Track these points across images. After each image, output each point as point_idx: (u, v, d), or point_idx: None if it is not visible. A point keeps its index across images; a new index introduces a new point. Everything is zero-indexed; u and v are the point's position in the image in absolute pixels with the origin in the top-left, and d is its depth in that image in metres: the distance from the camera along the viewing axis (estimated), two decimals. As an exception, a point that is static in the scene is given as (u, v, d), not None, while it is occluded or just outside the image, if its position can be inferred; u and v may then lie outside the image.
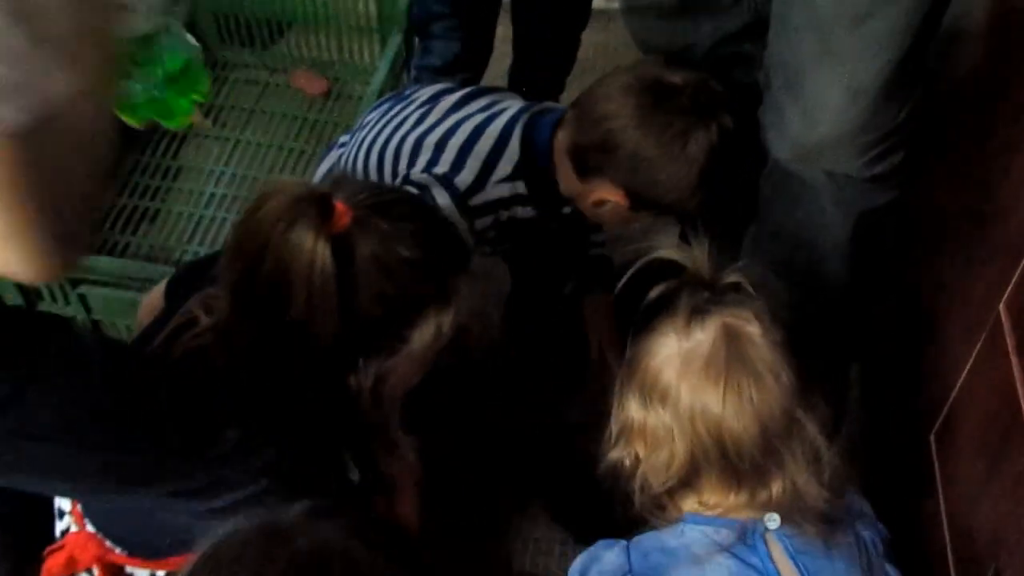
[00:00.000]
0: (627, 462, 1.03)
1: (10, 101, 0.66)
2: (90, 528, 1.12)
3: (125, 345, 1.03)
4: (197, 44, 1.34)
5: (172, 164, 1.96)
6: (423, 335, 1.07)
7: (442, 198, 1.33)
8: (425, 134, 1.41)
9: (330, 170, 1.56)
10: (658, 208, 1.36)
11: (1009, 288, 1.05)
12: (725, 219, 1.43)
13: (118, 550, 1.10)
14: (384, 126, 1.46)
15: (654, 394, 1.01)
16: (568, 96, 1.74)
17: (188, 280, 1.17)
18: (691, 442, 0.99)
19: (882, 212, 1.31)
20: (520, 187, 1.39)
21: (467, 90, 1.49)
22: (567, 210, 1.44)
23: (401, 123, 1.45)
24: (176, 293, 1.16)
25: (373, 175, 1.43)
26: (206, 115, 2.00)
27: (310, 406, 1.05)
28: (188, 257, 1.81)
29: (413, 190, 1.32)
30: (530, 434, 1.53)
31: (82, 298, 1.62)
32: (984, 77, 1.33)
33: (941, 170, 1.40)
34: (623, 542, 1.04)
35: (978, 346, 1.12)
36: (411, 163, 1.39)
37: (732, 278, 1.03)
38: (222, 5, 2.06)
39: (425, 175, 1.36)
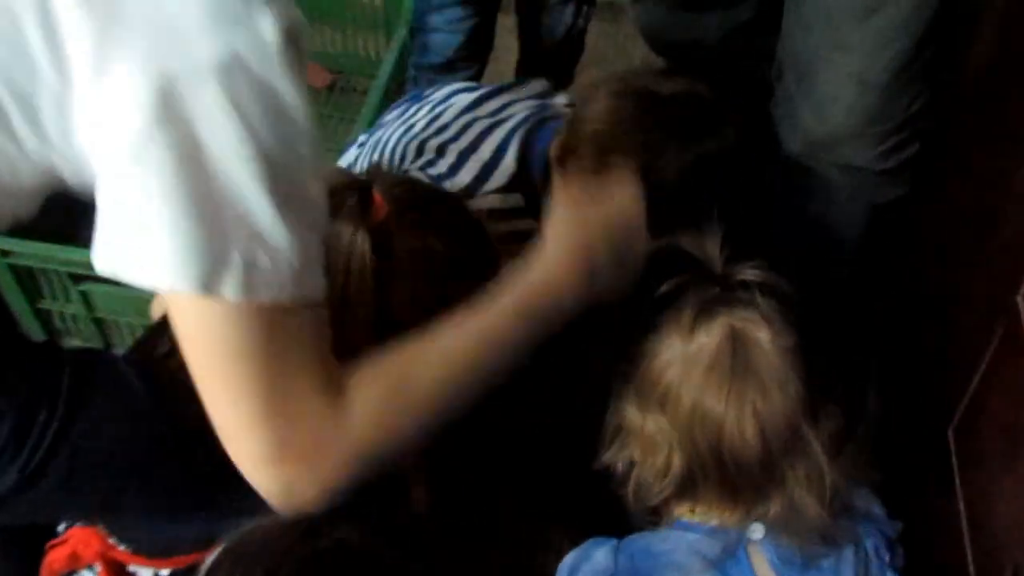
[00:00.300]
0: (621, 466, 0.99)
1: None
2: (94, 524, 1.10)
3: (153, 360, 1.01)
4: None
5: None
6: None
7: None
8: (432, 136, 1.38)
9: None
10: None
11: (1025, 278, 1.03)
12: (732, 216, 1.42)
13: (122, 547, 1.08)
14: (399, 127, 1.44)
15: (653, 397, 0.96)
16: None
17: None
18: (689, 452, 0.95)
19: (895, 206, 1.31)
20: (516, 199, 1.34)
21: (483, 91, 1.45)
22: None
23: (413, 124, 1.42)
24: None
25: None
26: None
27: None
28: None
29: None
30: (530, 434, 1.51)
31: (84, 295, 1.60)
32: (996, 68, 1.32)
33: (953, 161, 1.38)
34: (614, 541, 1.01)
35: (996, 338, 1.10)
36: (412, 162, 1.37)
37: (745, 275, 0.97)
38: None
39: (420, 173, 1.33)
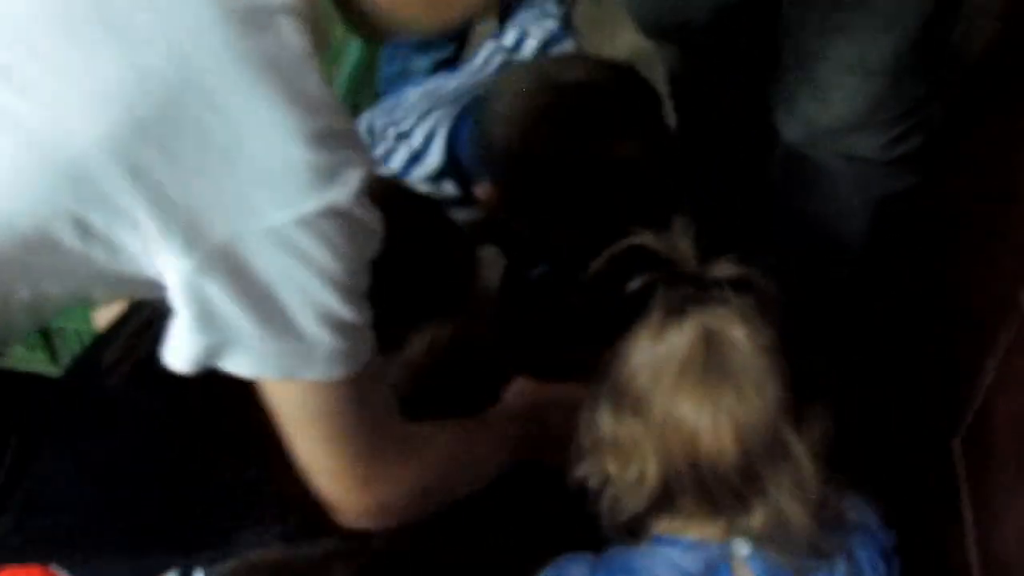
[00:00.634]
0: (594, 480, 0.94)
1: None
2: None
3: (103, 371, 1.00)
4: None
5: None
6: (422, 342, 1.04)
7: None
8: (387, 124, 1.36)
9: None
10: (532, 222, 1.26)
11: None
12: (721, 209, 1.37)
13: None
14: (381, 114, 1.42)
15: (625, 403, 0.91)
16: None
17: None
18: (663, 461, 0.90)
19: (902, 199, 1.27)
20: (449, 188, 1.30)
21: (446, 72, 1.43)
22: None
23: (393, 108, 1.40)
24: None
25: None
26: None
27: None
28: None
29: None
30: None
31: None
32: (1000, 65, 1.32)
33: (958, 157, 1.36)
34: (590, 557, 0.96)
35: (1005, 345, 1.07)
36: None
37: (721, 272, 0.91)
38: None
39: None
